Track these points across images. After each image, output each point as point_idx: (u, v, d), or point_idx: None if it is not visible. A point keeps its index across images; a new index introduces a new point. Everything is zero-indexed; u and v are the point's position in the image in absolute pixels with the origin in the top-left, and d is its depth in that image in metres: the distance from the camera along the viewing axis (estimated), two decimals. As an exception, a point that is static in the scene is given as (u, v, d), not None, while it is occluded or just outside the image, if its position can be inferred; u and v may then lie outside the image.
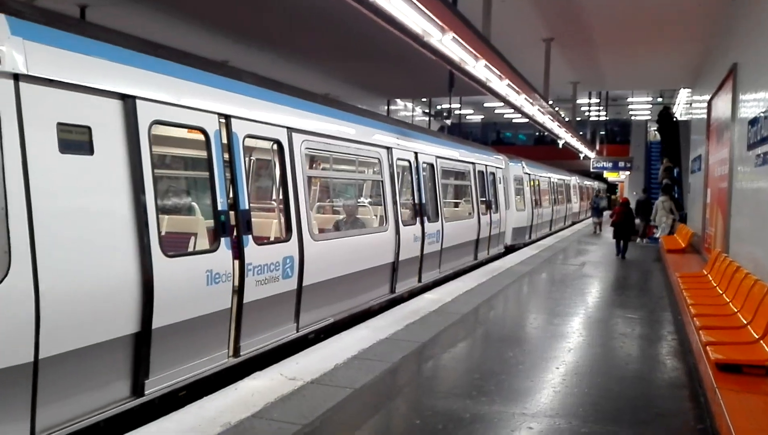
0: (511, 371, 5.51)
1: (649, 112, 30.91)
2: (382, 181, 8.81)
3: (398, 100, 30.60)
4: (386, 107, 27.34)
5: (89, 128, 4.10)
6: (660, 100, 29.94)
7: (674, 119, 22.85)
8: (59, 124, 3.90)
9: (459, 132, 30.03)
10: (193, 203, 6.89)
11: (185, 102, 5.00)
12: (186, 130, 5.42)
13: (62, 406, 3.95)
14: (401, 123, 10.76)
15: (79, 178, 4.04)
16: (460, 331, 7.10)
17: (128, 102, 4.44)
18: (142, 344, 4.45)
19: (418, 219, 9.80)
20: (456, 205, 14.90)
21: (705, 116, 13.39)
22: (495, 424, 4.28)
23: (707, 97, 13.12)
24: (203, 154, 5.39)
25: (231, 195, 5.53)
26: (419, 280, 9.96)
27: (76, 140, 4.02)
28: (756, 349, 4.93)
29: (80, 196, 4.04)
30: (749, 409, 4.01)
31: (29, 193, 3.68)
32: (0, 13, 3.66)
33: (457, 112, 36.73)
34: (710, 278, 8.72)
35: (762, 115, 7.22)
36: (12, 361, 3.56)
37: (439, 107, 29.93)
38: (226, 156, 5.43)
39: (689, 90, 19.03)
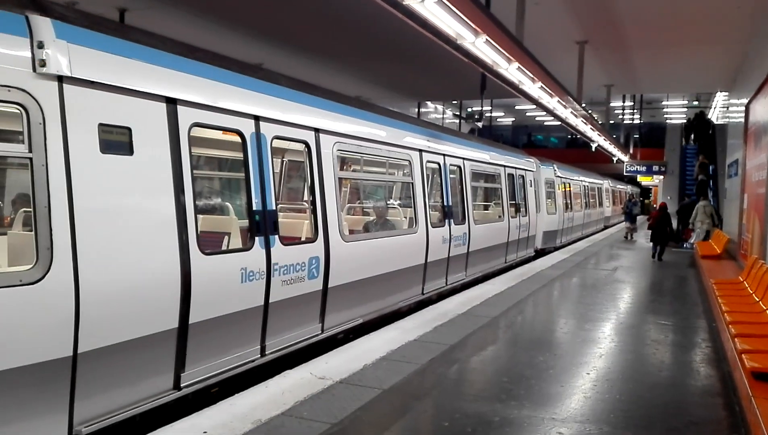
0: (540, 376, 5.47)
1: (684, 116, 30.31)
2: (412, 184, 8.83)
3: (428, 103, 30.57)
4: (416, 109, 27.33)
5: (129, 129, 4.22)
6: (696, 103, 29.33)
7: (709, 121, 22.50)
8: (101, 124, 4.02)
9: (490, 134, 29.86)
10: (227, 203, 7.00)
11: (222, 104, 5.11)
12: (222, 132, 5.54)
13: (100, 400, 4.06)
14: (431, 125, 10.77)
15: (119, 177, 4.15)
16: (489, 334, 7.08)
17: (168, 104, 4.55)
18: (179, 339, 4.55)
19: (446, 221, 9.79)
20: (486, 207, 14.85)
21: (742, 120, 13.09)
22: (524, 428, 4.26)
23: (745, 101, 12.83)
24: (239, 155, 5.50)
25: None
26: (446, 283, 9.95)
27: (116, 141, 4.14)
28: (794, 358, 4.80)
29: (120, 195, 4.16)
30: (786, 419, 3.91)
31: (71, 192, 3.80)
32: (45, 16, 3.79)
33: (487, 114, 36.57)
34: (746, 285, 8.52)
35: (803, 119, 7.05)
36: (51, 355, 3.68)
37: (469, 109, 29.81)
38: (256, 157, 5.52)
39: (726, 93, 18.62)
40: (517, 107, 36.03)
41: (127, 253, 4.14)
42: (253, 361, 5.44)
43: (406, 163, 8.78)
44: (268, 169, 5.59)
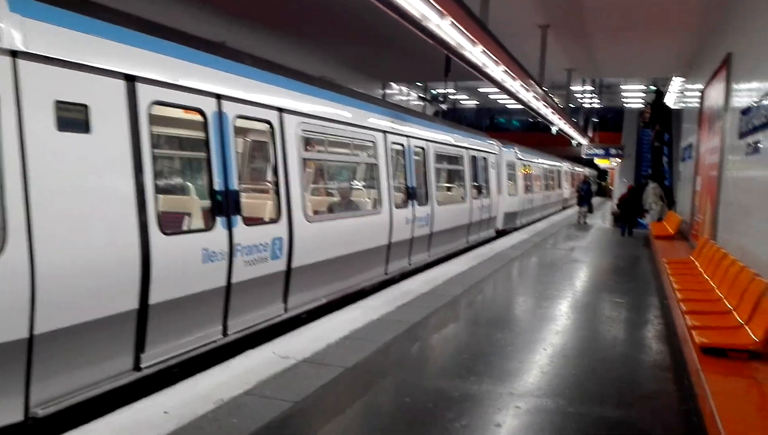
0: (500, 352, 5.61)
1: (642, 100, 30.98)
2: (376, 165, 8.85)
3: (393, 84, 30.48)
4: (381, 91, 27.23)
5: (87, 107, 4.12)
6: (653, 88, 30.00)
7: (666, 110, 23.24)
8: (57, 102, 3.92)
9: (453, 117, 30.00)
10: (189, 183, 6.91)
11: (183, 82, 5.02)
12: (184, 110, 5.45)
13: (58, 381, 4.01)
14: (395, 107, 10.78)
15: (76, 156, 4.06)
16: (451, 312, 7.20)
17: (127, 81, 4.46)
18: (139, 320, 4.51)
19: (409, 202, 9.85)
20: (449, 189, 14.98)
21: (697, 105, 13.47)
22: (484, 403, 4.38)
23: (700, 86, 13.19)
24: (200, 134, 5.43)
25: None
26: (409, 263, 10.05)
27: (73, 118, 4.04)
28: (740, 333, 5.03)
29: (77, 173, 4.07)
30: (732, 391, 4.13)
31: (26, 171, 3.70)
32: (-2, -12, 3.65)
33: (452, 97, 36.67)
34: (697, 264, 8.84)
35: (754, 104, 7.30)
36: (6, 337, 3.61)
37: (434, 92, 29.88)
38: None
39: (682, 79, 19.07)
40: (480, 90, 36.16)
41: (85, 233, 4.07)
42: (215, 341, 5.43)
43: (371, 144, 8.79)
44: (230, 148, 5.53)
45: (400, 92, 32.30)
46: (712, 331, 5.14)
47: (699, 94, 13.33)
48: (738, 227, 7.95)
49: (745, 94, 8.06)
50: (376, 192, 8.93)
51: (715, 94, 10.81)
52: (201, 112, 5.29)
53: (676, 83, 19.44)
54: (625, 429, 4.04)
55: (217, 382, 4.49)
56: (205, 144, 5.34)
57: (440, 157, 12.09)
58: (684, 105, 18.57)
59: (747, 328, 5.06)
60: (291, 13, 13.99)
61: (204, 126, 5.32)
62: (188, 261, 4.96)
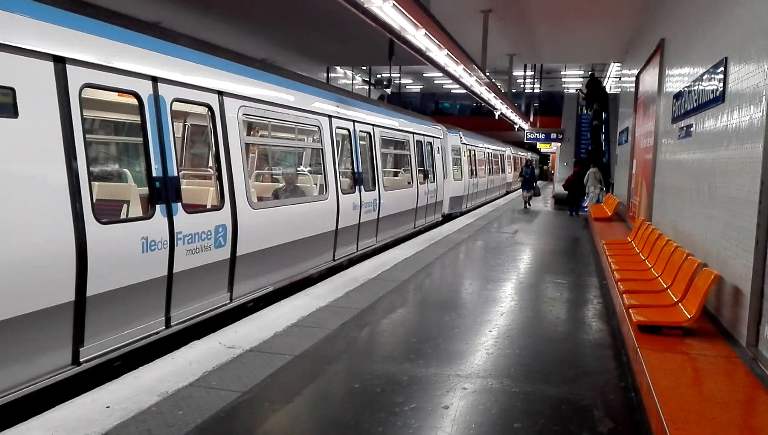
0: (447, 335, 5.68)
1: (581, 85, 31.84)
2: (322, 150, 8.76)
3: (338, 68, 30.23)
4: (326, 74, 26.97)
5: (13, 90, 3.89)
6: (591, 73, 30.87)
7: (600, 81, 24.05)
8: None
9: (399, 101, 30.00)
10: (126, 170, 6.67)
11: (116, 64, 4.81)
12: (118, 93, 5.23)
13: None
14: (341, 91, 10.69)
15: (3, 142, 3.83)
16: (399, 297, 7.24)
17: (56, 63, 4.23)
18: (77, 313, 4.33)
19: (356, 188, 9.82)
20: (395, 174, 15.02)
21: (633, 90, 13.91)
22: (431, 385, 4.43)
23: (636, 72, 13.62)
24: (136, 118, 5.23)
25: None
26: (357, 249, 10.04)
27: (-2, 102, 3.81)
28: (674, 311, 5.26)
29: (4, 160, 3.85)
30: (667, 367, 4.30)
31: (-54, 158, 3.48)
32: None
33: (396, 81, 36.64)
34: (634, 245, 9.18)
35: (686, 89, 7.58)
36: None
37: (379, 76, 29.78)
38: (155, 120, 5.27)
39: (619, 64, 19.67)
40: (425, 75, 36.42)
41: (14, 224, 3.86)
42: (157, 332, 5.28)
43: (316, 128, 8.69)
44: (168, 133, 5.35)
45: (344, 76, 32.12)
46: (648, 309, 5.35)
47: (634, 79, 13.76)
48: (672, 209, 8.28)
49: (678, 79, 8.36)
50: (322, 177, 8.85)
51: (650, 79, 11.18)
52: (136, 95, 5.09)
53: (613, 69, 20.02)
54: (567, 405, 4.16)
55: (161, 375, 4.37)
56: (142, 128, 5.14)
57: (386, 142, 12.08)
58: (620, 90, 19.16)
59: (681, 306, 5.29)
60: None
61: (140, 109, 5.13)
62: (127, 250, 4.79)
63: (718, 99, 5.88)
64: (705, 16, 6.92)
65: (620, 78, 19.59)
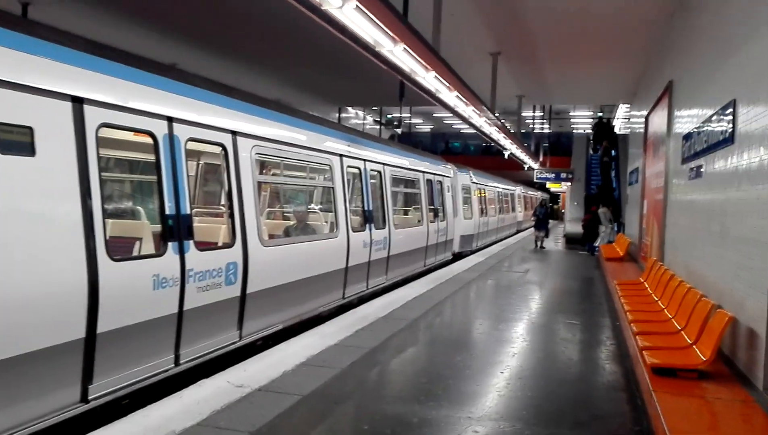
0: (458, 375, 5.61)
1: (590, 126, 32.07)
2: (333, 188, 8.83)
3: (350, 108, 30.67)
4: (337, 115, 27.36)
5: (32, 129, 3.98)
6: (600, 114, 31.09)
7: (608, 123, 24.22)
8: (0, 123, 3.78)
9: (409, 141, 30.31)
10: (139, 207, 6.74)
11: (133, 104, 4.92)
12: (133, 133, 5.34)
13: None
14: (352, 130, 10.83)
15: (20, 179, 3.91)
16: (409, 336, 7.18)
17: (74, 103, 4.34)
18: (86, 350, 4.33)
19: (366, 226, 9.85)
20: (405, 212, 15.07)
21: (642, 130, 13.98)
22: (442, 428, 4.35)
23: (645, 113, 13.71)
24: (151, 157, 5.32)
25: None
26: (367, 287, 10.01)
27: (17, 141, 3.90)
28: (689, 353, 5.17)
29: (21, 198, 3.91)
30: (683, 410, 4.22)
31: (-34, 195, 3.54)
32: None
33: (407, 121, 37.04)
34: (646, 286, 9.09)
35: (695, 130, 7.62)
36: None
37: (389, 116, 30.14)
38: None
39: (628, 105, 19.82)
40: (435, 115, 36.81)
41: (28, 260, 3.90)
42: (167, 370, 5.25)
43: (327, 167, 8.78)
44: (181, 171, 5.43)
45: (356, 116, 32.55)
46: (662, 351, 5.27)
47: (643, 120, 13.84)
48: (684, 249, 8.22)
49: (687, 120, 8.40)
50: (333, 215, 8.89)
51: (659, 120, 11.25)
52: (151, 134, 5.19)
53: (622, 109, 20.15)
54: (581, 450, 4.07)
55: (169, 413, 4.33)
56: (156, 167, 5.23)
57: (397, 181, 12.17)
58: (630, 130, 19.25)
59: (695, 348, 5.20)
60: (245, 36, 13.97)
61: (154, 149, 5.22)
62: (138, 287, 4.81)
63: (727, 140, 5.90)
64: (713, 58, 7.00)
65: (629, 118, 19.71)
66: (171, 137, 5.38)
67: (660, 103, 11.17)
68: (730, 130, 5.77)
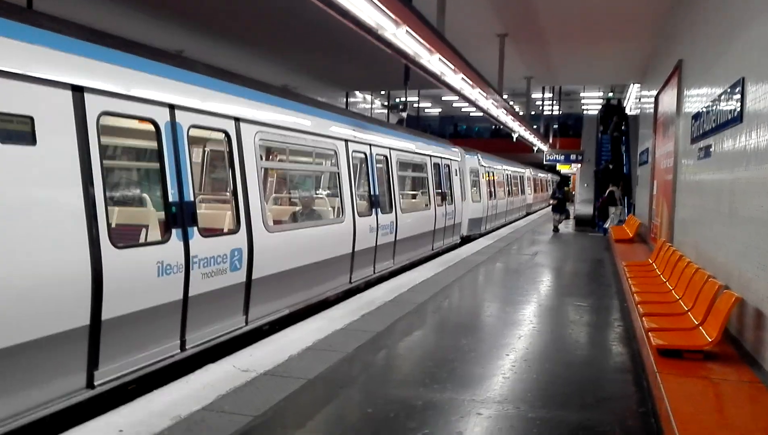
0: (463, 359, 5.61)
1: (600, 107, 31.77)
2: (338, 173, 8.82)
3: (357, 93, 30.55)
4: (345, 99, 27.26)
5: (32, 118, 3.99)
6: (611, 94, 30.70)
7: (619, 105, 23.94)
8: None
9: (417, 125, 30.13)
10: (144, 195, 6.77)
11: (134, 92, 4.91)
12: (136, 121, 5.34)
13: (5, 402, 3.85)
14: (357, 115, 10.78)
15: (21, 168, 3.92)
16: (416, 320, 7.19)
17: (75, 92, 4.34)
18: (92, 336, 4.37)
19: (373, 210, 9.84)
20: (413, 196, 15.04)
21: (652, 111, 13.82)
22: (446, 410, 4.36)
23: (654, 93, 13.54)
24: (153, 145, 5.32)
25: None
26: (374, 271, 10.02)
27: (17, 130, 3.91)
28: (695, 334, 5.14)
29: (23, 187, 3.93)
30: (688, 392, 4.20)
31: (-33, 184, 3.56)
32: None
33: (415, 105, 36.84)
34: (655, 267, 9.03)
35: (704, 109, 7.51)
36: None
37: (397, 100, 30.01)
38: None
39: (638, 85, 19.56)
40: (443, 98, 36.60)
41: (31, 249, 3.93)
42: (172, 356, 5.30)
43: (332, 152, 8.76)
44: (184, 159, 5.43)
45: (363, 100, 32.42)
46: (668, 332, 5.24)
47: (653, 100, 13.67)
48: (693, 229, 8.14)
49: (696, 99, 8.28)
50: (339, 200, 8.89)
51: (668, 100, 11.10)
52: (153, 122, 5.19)
53: (633, 90, 19.90)
54: (585, 432, 4.06)
55: (174, 398, 4.37)
56: (158, 155, 5.23)
57: (403, 165, 12.12)
58: (640, 110, 19.03)
59: (701, 329, 5.17)
60: (251, 22, 13.90)
61: (157, 136, 5.22)
62: (142, 275, 4.84)
63: (736, 119, 5.81)
64: (721, 37, 6.88)
65: (639, 99, 19.45)
66: (173, 124, 5.38)
67: (669, 82, 11.02)
68: (739, 108, 5.68)
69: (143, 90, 5.04)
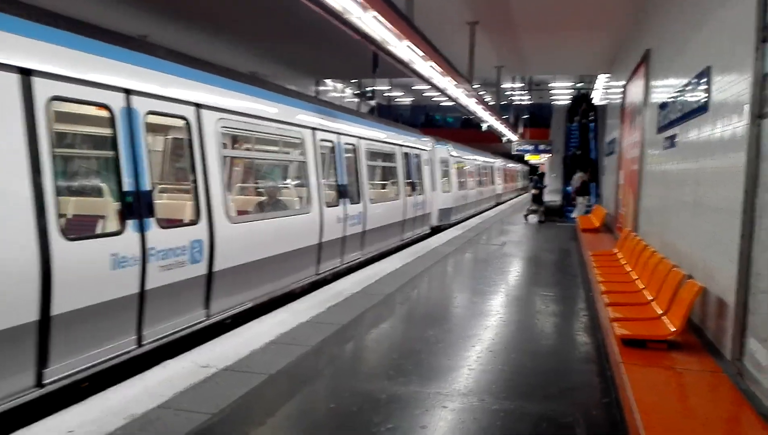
0: (430, 350, 5.55)
1: (569, 97, 31.97)
2: (305, 162, 8.65)
3: (327, 81, 30.24)
4: (315, 87, 26.96)
5: (-28, 102, 3.77)
6: (580, 84, 30.94)
7: (589, 95, 24.26)
8: None
9: (389, 114, 30.01)
10: (100, 184, 6.53)
11: (87, 76, 4.70)
12: (89, 106, 5.12)
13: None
14: (326, 103, 10.61)
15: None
16: (383, 311, 7.11)
17: (22, 75, 4.12)
18: (40, 333, 4.18)
19: (341, 200, 9.71)
20: (383, 186, 14.95)
21: (620, 100, 13.91)
22: (411, 404, 4.29)
23: (623, 82, 13.62)
24: (108, 131, 5.11)
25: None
26: (341, 262, 9.91)
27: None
28: (659, 324, 5.15)
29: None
30: (651, 382, 4.19)
31: None
32: None
33: (387, 94, 36.65)
34: (620, 256, 9.09)
35: (671, 99, 7.54)
36: None
37: (369, 89, 29.79)
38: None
39: (607, 75, 19.69)
40: (414, 87, 36.45)
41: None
42: (129, 352, 5.12)
43: (299, 141, 8.59)
44: (141, 146, 5.23)
45: (334, 89, 32.12)
46: (632, 322, 5.24)
47: (621, 89, 13.76)
48: (658, 219, 8.20)
49: (662, 89, 8.32)
50: (306, 190, 8.73)
51: (636, 90, 11.17)
52: (108, 107, 4.98)
53: (602, 80, 20.04)
54: (548, 423, 4.04)
55: (130, 396, 4.21)
56: (113, 142, 5.03)
57: (373, 155, 11.99)
58: (608, 101, 19.19)
59: (665, 318, 5.18)
60: (220, 9, 13.58)
61: (111, 122, 5.01)
62: (95, 267, 4.65)
63: (702, 109, 5.82)
64: (689, 25, 6.89)
65: (607, 89, 19.61)
66: (129, 110, 5.17)
67: (637, 72, 11.08)
68: (705, 98, 5.69)
69: (97, 74, 4.83)
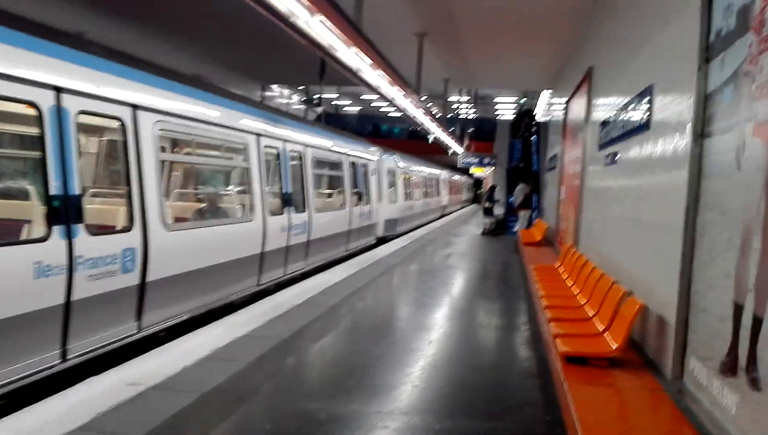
0: (372, 366, 5.40)
1: (513, 112, 32.60)
2: (248, 169, 8.40)
3: (274, 87, 29.82)
4: (260, 93, 26.52)
5: None
6: (524, 100, 31.61)
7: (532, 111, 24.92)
8: None
9: (336, 122, 29.83)
10: (17, 186, 6.11)
11: (10, 72, 4.37)
12: (15, 104, 4.76)
13: None
14: (271, 109, 10.37)
15: None
16: (325, 325, 6.92)
17: None
18: None
19: (285, 209, 9.48)
20: (328, 195, 14.76)
21: (562, 117, 14.21)
22: (351, 425, 4.13)
23: (565, 99, 13.92)
24: (35, 131, 4.77)
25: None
26: (284, 273, 9.66)
27: None
28: (600, 341, 5.17)
29: None
30: (593, 400, 4.18)
31: None
32: None
33: (334, 102, 36.47)
34: (561, 271, 9.20)
35: (612, 116, 7.69)
36: None
37: (316, 97, 29.53)
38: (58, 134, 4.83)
39: (551, 91, 20.15)
40: (362, 97, 36.42)
41: None
42: (51, 367, 4.77)
43: (242, 147, 8.33)
44: (70, 148, 4.90)
45: (280, 95, 31.72)
46: (574, 338, 5.24)
47: (564, 106, 14.06)
48: (598, 235, 8.34)
49: (605, 106, 8.49)
50: (248, 197, 8.47)
51: (578, 107, 11.40)
52: (35, 105, 4.64)
53: (545, 96, 20.49)
54: (492, 443, 3.96)
55: (48, 417, 3.88)
56: (40, 142, 4.69)
57: (319, 163, 11.81)
58: (551, 117, 19.63)
59: (607, 335, 5.20)
60: (163, 9, 13.14)
61: (39, 122, 4.68)
62: (15, 277, 4.30)
63: (643, 126, 5.93)
64: (632, 44, 7.03)
65: (550, 105, 20.08)
66: (59, 109, 4.85)
67: (580, 89, 11.32)
68: (647, 116, 5.79)
69: (23, 70, 4.50)
